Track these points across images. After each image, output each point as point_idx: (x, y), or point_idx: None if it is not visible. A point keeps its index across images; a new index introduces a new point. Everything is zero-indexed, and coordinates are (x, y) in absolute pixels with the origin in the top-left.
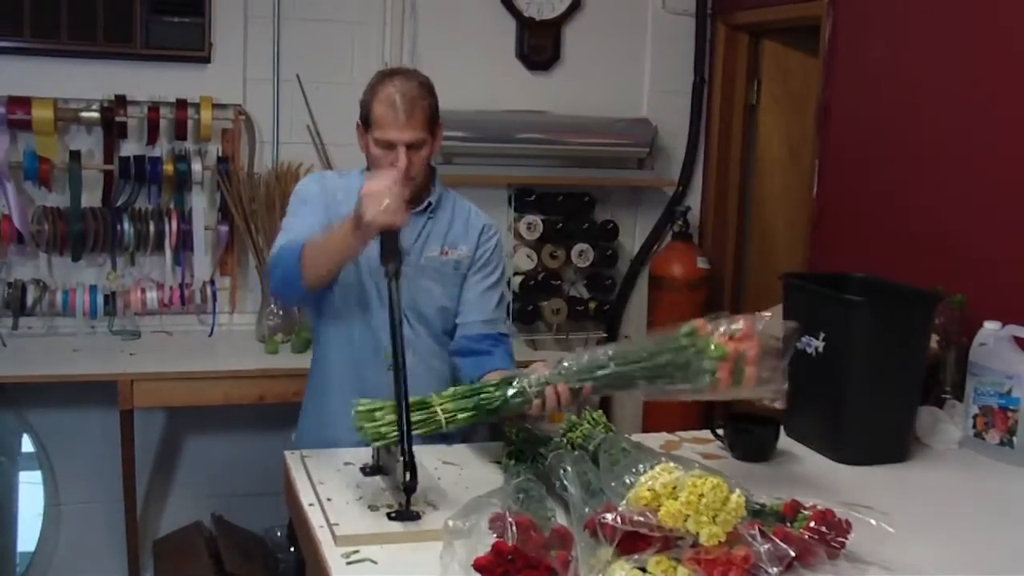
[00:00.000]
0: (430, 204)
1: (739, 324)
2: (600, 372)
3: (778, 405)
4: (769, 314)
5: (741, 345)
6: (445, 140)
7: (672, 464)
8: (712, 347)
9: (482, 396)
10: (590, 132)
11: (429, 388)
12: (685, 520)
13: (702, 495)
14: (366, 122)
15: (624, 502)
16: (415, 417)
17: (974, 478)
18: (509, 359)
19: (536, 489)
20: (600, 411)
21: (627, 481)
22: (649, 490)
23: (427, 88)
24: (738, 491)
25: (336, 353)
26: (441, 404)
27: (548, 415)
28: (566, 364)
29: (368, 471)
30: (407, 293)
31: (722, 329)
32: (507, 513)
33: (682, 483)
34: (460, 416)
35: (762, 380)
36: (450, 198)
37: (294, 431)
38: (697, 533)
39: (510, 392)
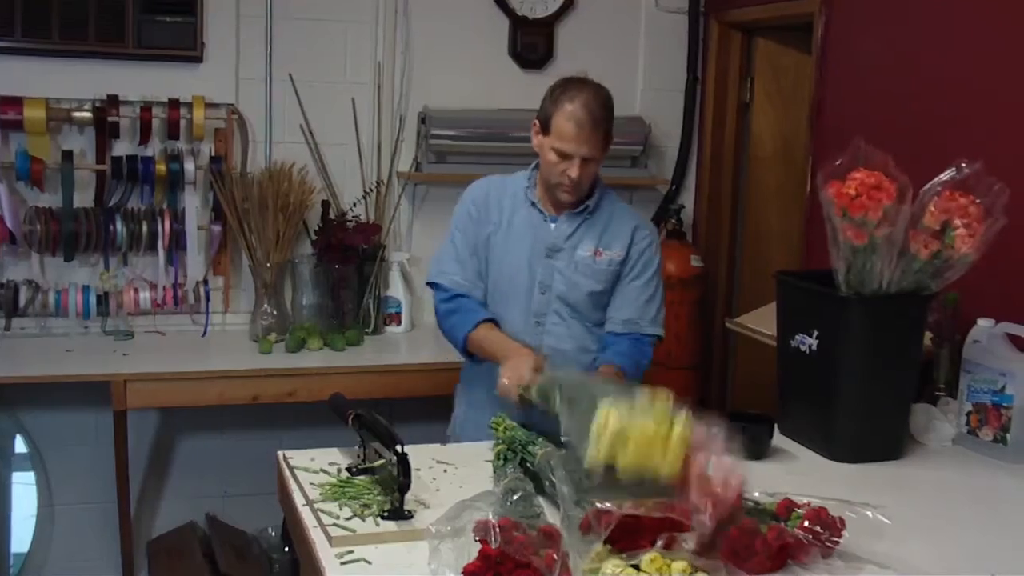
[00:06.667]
0: (587, 207)
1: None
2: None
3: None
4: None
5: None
6: (438, 139)
7: (614, 407)
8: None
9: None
10: None
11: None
12: (645, 467)
13: (649, 439)
14: (545, 127)
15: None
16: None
17: (967, 475)
18: (625, 357)
19: (524, 488)
20: None
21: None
22: (607, 444)
23: (610, 108)
24: (681, 416)
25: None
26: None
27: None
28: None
29: (355, 471)
30: (561, 286)
31: None
32: (489, 517)
33: (628, 431)
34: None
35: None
36: (610, 200)
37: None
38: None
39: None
